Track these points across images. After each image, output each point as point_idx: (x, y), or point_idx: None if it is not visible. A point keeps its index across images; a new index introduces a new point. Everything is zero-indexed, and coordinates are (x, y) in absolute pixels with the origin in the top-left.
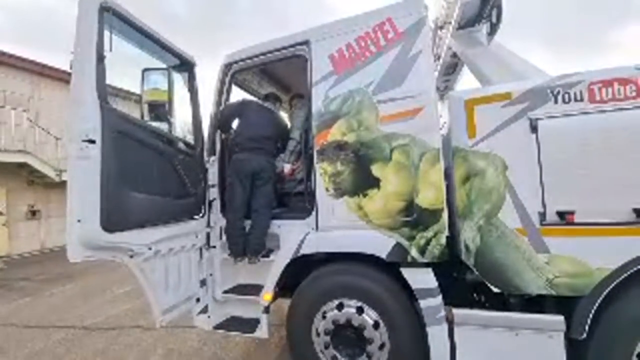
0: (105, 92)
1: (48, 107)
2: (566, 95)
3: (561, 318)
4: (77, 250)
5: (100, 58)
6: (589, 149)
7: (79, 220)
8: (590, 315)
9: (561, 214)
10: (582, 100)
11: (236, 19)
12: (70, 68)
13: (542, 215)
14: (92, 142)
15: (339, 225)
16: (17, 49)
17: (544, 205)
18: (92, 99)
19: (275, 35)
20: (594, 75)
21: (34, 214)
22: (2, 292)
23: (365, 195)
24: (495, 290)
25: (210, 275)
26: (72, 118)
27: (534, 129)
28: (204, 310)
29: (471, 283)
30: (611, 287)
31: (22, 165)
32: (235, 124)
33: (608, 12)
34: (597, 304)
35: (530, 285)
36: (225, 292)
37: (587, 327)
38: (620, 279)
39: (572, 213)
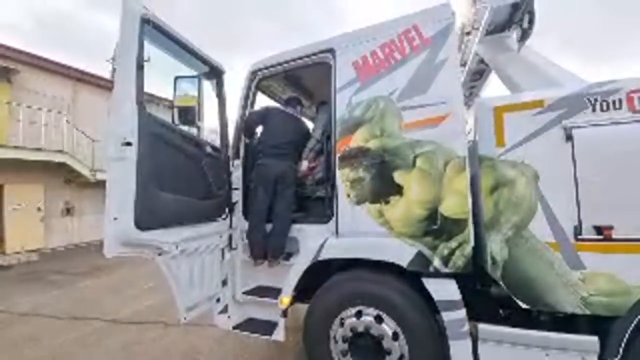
0: (142, 98)
1: (85, 110)
2: (604, 103)
3: (595, 339)
4: (112, 246)
5: (140, 66)
6: (629, 160)
7: (115, 218)
8: (627, 336)
9: (598, 229)
10: (621, 108)
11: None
12: (112, 76)
13: (578, 230)
14: (129, 144)
15: (359, 231)
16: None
17: (579, 219)
18: (130, 104)
19: (283, 42)
20: (633, 83)
21: (68, 210)
22: (36, 284)
23: (387, 202)
24: (524, 306)
25: (231, 275)
26: (112, 121)
27: (568, 137)
28: (224, 310)
29: (496, 297)
30: None
31: (61, 165)
32: (258, 130)
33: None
34: (633, 325)
35: (562, 302)
36: (245, 293)
37: (621, 349)
38: None
39: (610, 228)
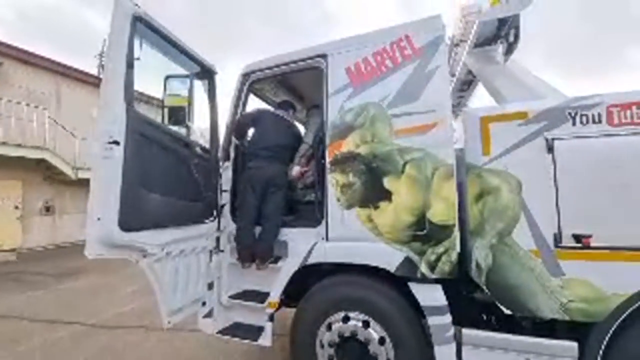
0: (132, 96)
1: (68, 106)
2: (584, 117)
3: (575, 344)
4: (94, 247)
5: (130, 64)
6: (606, 171)
7: (98, 218)
8: (604, 342)
9: (577, 237)
10: (600, 122)
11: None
12: (99, 73)
13: (558, 238)
14: (116, 143)
15: (349, 236)
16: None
17: (559, 227)
18: (119, 102)
19: (279, 44)
20: (612, 97)
21: (48, 209)
22: (13, 285)
23: (376, 208)
24: (507, 311)
25: (218, 278)
26: (100, 119)
27: (550, 149)
28: (209, 314)
29: (481, 303)
30: (626, 313)
31: (40, 162)
32: (250, 132)
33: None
34: (611, 331)
35: (543, 308)
36: (232, 297)
37: (600, 355)
38: (637, 305)
39: (588, 236)
